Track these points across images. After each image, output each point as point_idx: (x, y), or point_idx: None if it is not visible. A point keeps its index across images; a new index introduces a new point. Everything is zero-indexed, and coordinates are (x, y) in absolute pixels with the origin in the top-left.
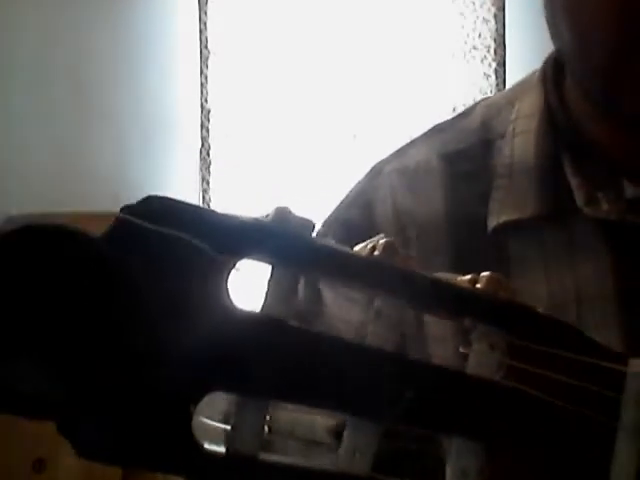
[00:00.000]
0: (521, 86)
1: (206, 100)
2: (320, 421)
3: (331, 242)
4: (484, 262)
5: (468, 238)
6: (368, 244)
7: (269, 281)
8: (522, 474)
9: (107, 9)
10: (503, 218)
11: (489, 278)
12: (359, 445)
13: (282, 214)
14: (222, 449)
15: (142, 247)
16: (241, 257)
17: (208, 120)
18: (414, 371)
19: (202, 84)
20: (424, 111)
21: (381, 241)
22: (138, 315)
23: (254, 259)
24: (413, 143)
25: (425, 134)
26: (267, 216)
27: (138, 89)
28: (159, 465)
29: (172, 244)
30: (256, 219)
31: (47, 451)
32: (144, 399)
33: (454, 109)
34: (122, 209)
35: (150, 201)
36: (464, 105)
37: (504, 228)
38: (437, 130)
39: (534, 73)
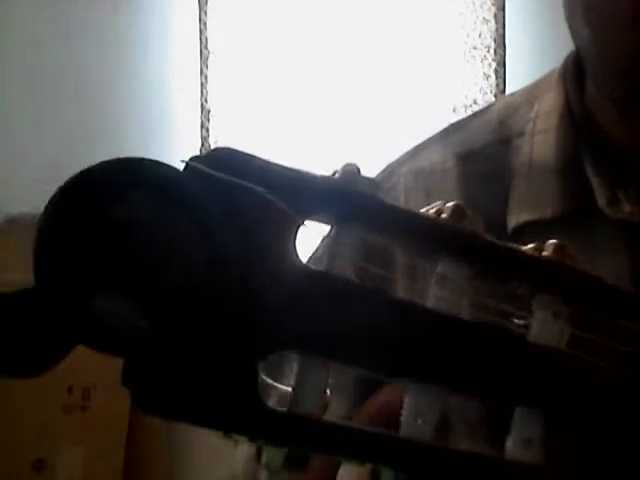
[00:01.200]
0: (540, 84)
1: (206, 100)
2: None
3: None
4: None
5: None
6: (434, 207)
7: (335, 240)
8: (582, 443)
9: (107, 9)
10: (523, 218)
11: (556, 246)
12: (421, 411)
13: (350, 173)
14: (285, 410)
15: (214, 196)
16: (310, 214)
17: (208, 120)
18: (480, 337)
19: (202, 84)
20: (424, 111)
21: (449, 204)
22: (217, 263)
23: (322, 217)
24: (428, 143)
25: (441, 133)
26: (334, 174)
27: (138, 89)
28: (222, 422)
29: (245, 195)
30: (325, 176)
31: (47, 451)
32: (215, 351)
33: (454, 109)
34: (191, 158)
35: (219, 152)
36: (464, 105)
37: (523, 228)
38: (453, 129)
39: (554, 71)
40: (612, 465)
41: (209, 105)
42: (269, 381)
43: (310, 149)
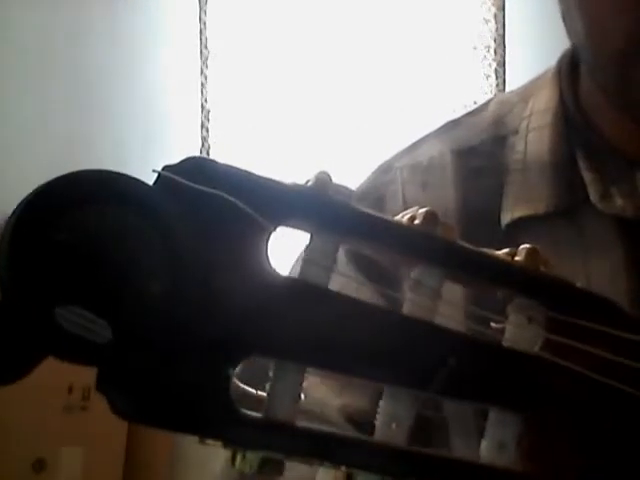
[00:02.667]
0: (535, 83)
1: (206, 100)
2: (331, 400)
3: (371, 210)
4: None
5: (480, 234)
6: (407, 213)
7: (308, 247)
8: (557, 447)
9: (107, 9)
10: (517, 214)
11: (528, 251)
12: (396, 416)
13: (323, 180)
14: (259, 414)
15: (186, 204)
16: (281, 222)
17: (208, 120)
18: (453, 341)
19: (202, 84)
20: (424, 111)
21: (421, 210)
22: (178, 271)
23: (294, 224)
24: (426, 139)
25: (438, 130)
26: (307, 182)
27: (138, 89)
28: (195, 428)
29: (216, 203)
30: (297, 184)
31: (47, 451)
32: (184, 357)
33: (454, 110)
34: (163, 168)
35: (190, 161)
36: (464, 105)
37: (517, 224)
38: (450, 126)
39: (548, 70)
40: (585, 467)
41: (209, 105)
42: (244, 387)
43: (310, 149)
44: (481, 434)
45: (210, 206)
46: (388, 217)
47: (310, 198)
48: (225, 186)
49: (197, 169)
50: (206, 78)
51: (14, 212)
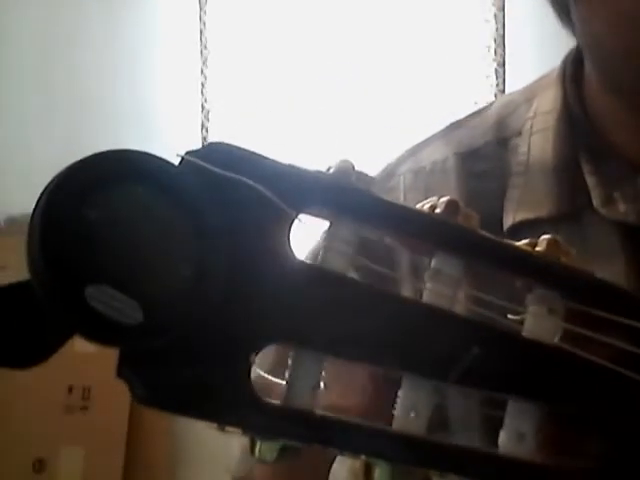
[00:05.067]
0: (539, 83)
1: (206, 100)
2: None
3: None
4: None
5: None
6: (428, 202)
7: (328, 234)
8: (576, 438)
9: (107, 9)
10: (519, 217)
11: (550, 241)
12: (415, 405)
13: (345, 168)
14: (278, 402)
15: (209, 191)
16: (303, 209)
17: (208, 120)
18: (473, 331)
19: (202, 84)
20: (423, 112)
21: (442, 199)
22: (210, 254)
23: (316, 211)
24: (429, 141)
25: (441, 132)
26: (329, 170)
27: (138, 89)
28: (216, 415)
29: (240, 189)
30: (319, 172)
31: (47, 451)
32: (208, 343)
33: (453, 109)
34: (186, 153)
35: (213, 147)
36: (464, 105)
37: (519, 227)
38: (453, 127)
39: (553, 71)
40: (604, 458)
41: (209, 105)
42: (264, 374)
43: (309, 149)
44: (484, 427)
45: (234, 191)
46: (409, 205)
47: (332, 186)
48: (247, 172)
49: (220, 155)
50: (206, 78)
51: (45, 190)
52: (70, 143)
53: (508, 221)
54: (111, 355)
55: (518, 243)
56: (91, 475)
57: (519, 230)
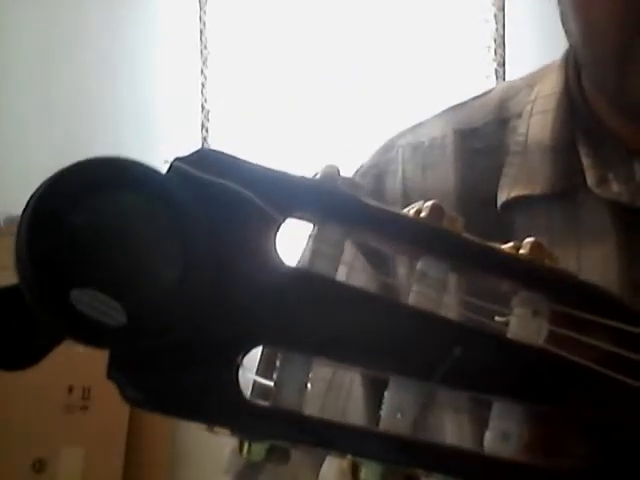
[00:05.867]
0: (542, 70)
1: (206, 100)
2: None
3: (378, 204)
4: (490, 238)
5: (477, 213)
6: (414, 207)
7: (316, 238)
8: (561, 438)
9: (107, 9)
10: (513, 193)
11: (533, 244)
12: (402, 405)
13: (331, 173)
14: (266, 403)
15: (195, 196)
16: (290, 213)
17: (208, 120)
18: (458, 332)
19: (202, 84)
20: (423, 111)
21: (427, 203)
22: (195, 258)
23: (303, 216)
24: (430, 119)
25: (443, 112)
26: (315, 175)
27: (138, 89)
28: (203, 415)
29: (226, 195)
30: (305, 177)
31: (47, 451)
32: (194, 345)
33: None
34: (175, 159)
35: (202, 153)
36: None
37: (513, 204)
38: (455, 108)
39: (556, 60)
40: (588, 459)
41: (209, 105)
42: (253, 376)
43: (309, 148)
44: (476, 426)
45: (220, 196)
46: (394, 210)
47: (318, 190)
48: (234, 177)
49: (206, 160)
50: (206, 78)
51: (33, 195)
52: (70, 143)
53: (502, 197)
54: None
55: (502, 246)
56: (91, 475)
57: (513, 206)
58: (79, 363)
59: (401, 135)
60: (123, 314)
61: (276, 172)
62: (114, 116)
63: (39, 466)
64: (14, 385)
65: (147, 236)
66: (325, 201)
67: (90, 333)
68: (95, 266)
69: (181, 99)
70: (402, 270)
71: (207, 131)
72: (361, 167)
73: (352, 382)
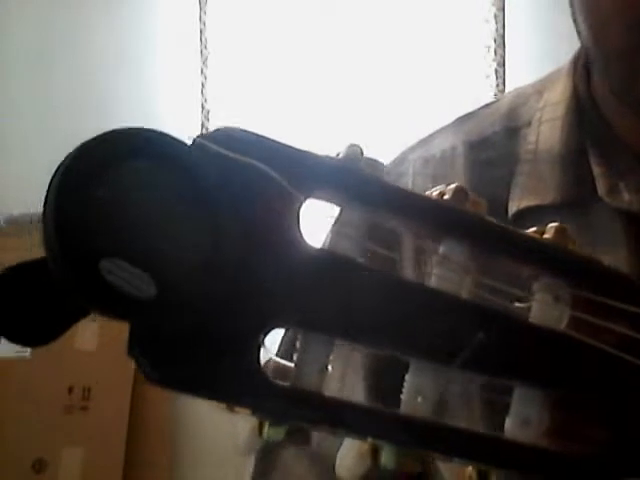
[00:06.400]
0: (551, 76)
1: (206, 100)
2: None
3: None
4: None
5: None
6: (437, 189)
7: (338, 220)
8: (582, 424)
9: (107, 9)
10: (524, 204)
11: (557, 229)
12: (422, 389)
13: (354, 154)
14: (287, 384)
15: (219, 173)
16: (312, 193)
17: (208, 120)
18: (480, 316)
19: (202, 84)
20: (423, 111)
21: (451, 186)
22: (214, 234)
23: (325, 196)
24: (440, 131)
25: (453, 122)
26: (338, 154)
27: (138, 89)
28: (223, 394)
29: (249, 172)
30: (328, 156)
31: (47, 451)
32: (218, 323)
33: (453, 109)
34: (197, 137)
35: (223, 131)
36: (464, 105)
37: (524, 214)
38: (465, 118)
39: (564, 65)
40: (609, 444)
41: (209, 105)
42: (274, 357)
43: (310, 148)
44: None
45: (243, 173)
46: (417, 192)
47: (341, 170)
48: (256, 155)
49: (228, 138)
50: (206, 78)
51: (57, 170)
52: (70, 143)
53: (513, 207)
54: (111, 355)
55: (526, 230)
56: (91, 475)
57: (524, 217)
58: (79, 363)
59: (412, 149)
60: (153, 286)
61: (299, 151)
62: (114, 116)
63: (39, 466)
64: (14, 385)
65: (175, 210)
66: (347, 182)
67: (118, 304)
68: (124, 237)
69: (181, 99)
70: (407, 244)
71: (207, 131)
72: None
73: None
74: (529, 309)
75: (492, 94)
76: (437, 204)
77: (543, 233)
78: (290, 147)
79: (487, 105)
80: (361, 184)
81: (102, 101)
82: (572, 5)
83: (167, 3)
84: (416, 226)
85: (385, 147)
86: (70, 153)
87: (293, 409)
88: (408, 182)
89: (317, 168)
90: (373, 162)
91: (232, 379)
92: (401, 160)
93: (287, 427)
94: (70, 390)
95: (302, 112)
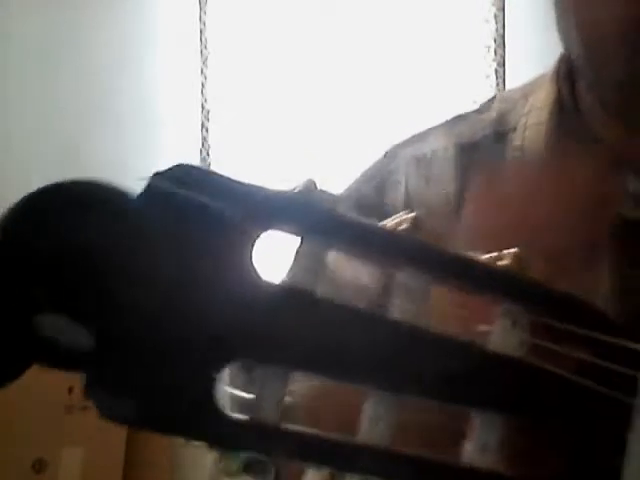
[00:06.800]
0: (536, 81)
1: (206, 100)
2: None
3: (357, 216)
4: None
5: None
6: (394, 219)
7: (296, 252)
8: (541, 450)
9: (107, 9)
10: None
11: (514, 255)
12: (380, 416)
13: (309, 187)
14: (244, 417)
15: (170, 211)
16: (267, 228)
17: (208, 120)
18: (438, 345)
19: (202, 84)
20: (423, 111)
21: (408, 216)
22: (162, 277)
23: (283, 229)
24: (432, 130)
25: (445, 123)
26: (294, 189)
27: (138, 89)
28: (181, 430)
29: (200, 210)
30: (283, 191)
31: (47, 451)
32: (168, 361)
33: (453, 109)
34: (154, 174)
35: (180, 168)
36: (464, 105)
37: None
38: (456, 120)
39: (550, 69)
40: (568, 470)
41: (209, 105)
42: (233, 390)
43: (310, 148)
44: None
45: (193, 212)
46: (373, 223)
47: (295, 204)
48: (210, 192)
49: (186, 176)
50: (206, 78)
51: (8, 211)
52: (70, 143)
53: None
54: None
55: (482, 257)
56: (91, 475)
57: None
58: None
59: (403, 145)
60: (91, 339)
61: (254, 187)
62: (114, 116)
63: (39, 466)
64: (14, 385)
65: (116, 258)
66: (303, 215)
67: (55, 358)
68: (59, 290)
69: (181, 99)
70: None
71: (207, 131)
72: (363, 174)
73: None
74: (489, 335)
75: (492, 94)
76: (393, 234)
77: (500, 259)
78: (246, 184)
79: (479, 109)
80: (317, 217)
81: (102, 101)
82: (558, 15)
83: (167, 3)
84: (373, 257)
85: (385, 147)
86: (11, 205)
87: (249, 441)
88: (399, 181)
89: (271, 202)
90: (328, 195)
91: (186, 413)
92: (392, 156)
93: (244, 460)
94: (70, 390)
95: (302, 112)
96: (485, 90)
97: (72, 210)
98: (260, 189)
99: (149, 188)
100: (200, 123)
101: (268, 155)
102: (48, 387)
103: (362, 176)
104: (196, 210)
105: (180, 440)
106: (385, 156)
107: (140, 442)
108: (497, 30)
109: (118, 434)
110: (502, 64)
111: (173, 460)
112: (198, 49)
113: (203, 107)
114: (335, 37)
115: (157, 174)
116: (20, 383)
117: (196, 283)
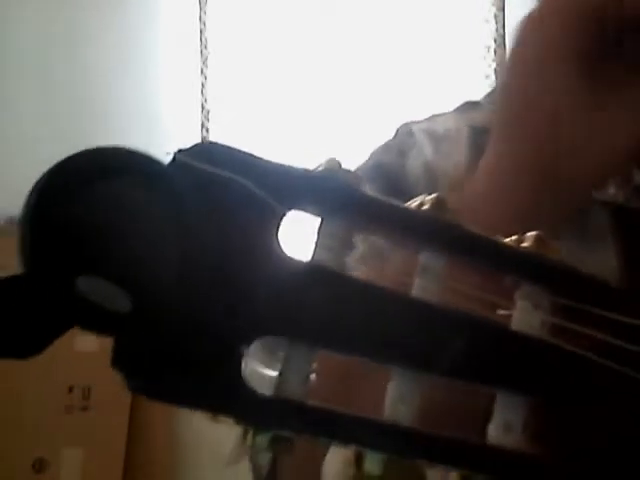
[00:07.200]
0: None
1: (206, 100)
2: None
3: (382, 197)
4: None
5: None
6: (416, 200)
7: (320, 231)
8: (564, 429)
9: (107, 9)
10: None
11: (535, 237)
12: (404, 396)
13: (333, 166)
14: (269, 393)
15: (197, 187)
16: (293, 206)
17: (208, 120)
18: (461, 323)
19: (202, 84)
20: (423, 111)
21: (429, 197)
22: (195, 251)
23: (305, 209)
24: (444, 113)
25: (457, 107)
26: (317, 168)
27: (138, 89)
28: (206, 404)
29: (227, 186)
30: (307, 170)
31: (47, 451)
32: (197, 335)
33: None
34: (177, 151)
35: (203, 145)
36: None
37: None
38: (468, 106)
39: None
40: (591, 449)
41: (209, 105)
42: (258, 367)
43: (310, 148)
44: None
45: (221, 188)
46: (396, 202)
47: (320, 183)
48: (235, 169)
49: (208, 153)
50: (206, 78)
51: (33, 188)
52: (71, 143)
53: None
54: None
55: (505, 240)
56: (91, 475)
57: None
58: (79, 363)
59: (415, 122)
60: (129, 302)
61: (279, 165)
62: (114, 116)
63: (39, 466)
64: (14, 385)
65: (151, 226)
66: (327, 194)
67: (96, 320)
68: (99, 254)
69: (181, 99)
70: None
71: (207, 131)
72: (385, 144)
73: None
74: (510, 317)
75: None
76: (415, 214)
77: (521, 241)
78: (270, 161)
79: (489, 95)
80: (341, 196)
81: (102, 102)
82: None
83: (167, 3)
84: (395, 237)
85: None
86: (46, 171)
87: (276, 418)
88: (419, 152)
89: (297, 181)
90: (352, 174)
91: (214, 390)
92: (408, 133)
93: (271, 436)
94: (70, 390)
95: (302, 112)
96: (485, 90)
97: (107, 176)
98: (284, 167)
99: (175, 162)
100: (200, 123)
101: (268, 155)
102: (48, 387)
103: (383, 146)
104: (223, 186)
105: (180, 440)
106: (400, 131)
107: (140, 442)
108: (497, 30)
109: (118, 434)
110: (502, 64)
111: (174, 460)
112: (198, 49)
113: (203, 107)
114: (335, 37)
115: (180, 151)
116: (20, 383)
117: (224, 258)
